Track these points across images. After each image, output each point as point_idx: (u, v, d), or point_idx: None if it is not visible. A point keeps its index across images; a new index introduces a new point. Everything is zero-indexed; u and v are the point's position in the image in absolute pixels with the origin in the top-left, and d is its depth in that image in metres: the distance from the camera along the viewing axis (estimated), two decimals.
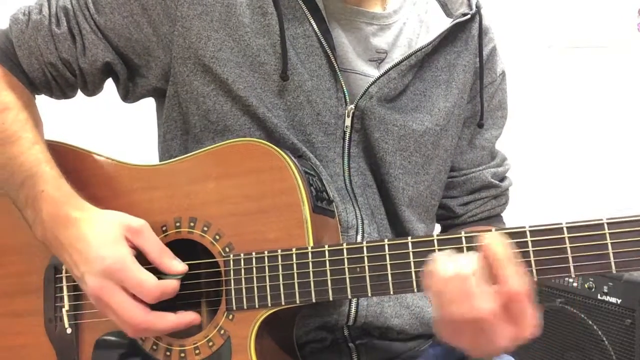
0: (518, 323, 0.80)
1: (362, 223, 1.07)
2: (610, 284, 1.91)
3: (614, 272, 0.79)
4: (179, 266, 0.95)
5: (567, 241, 0.81)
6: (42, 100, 1.13)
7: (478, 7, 1.16)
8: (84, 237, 0.93)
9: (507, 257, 0.80)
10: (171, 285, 0.93)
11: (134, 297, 0.92)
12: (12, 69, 1.08)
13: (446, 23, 1.13)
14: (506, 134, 1.27)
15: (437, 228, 1.25)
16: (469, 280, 0.79)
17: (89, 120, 2.00)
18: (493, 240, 0.81)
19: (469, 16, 1.13)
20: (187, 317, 0.95)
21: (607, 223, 0.79)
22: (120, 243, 0.93)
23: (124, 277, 0.91)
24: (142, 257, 0.94)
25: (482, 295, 0.79)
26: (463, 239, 0.85)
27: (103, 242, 0.92)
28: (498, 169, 1.24)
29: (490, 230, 0.84)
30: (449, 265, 0.81)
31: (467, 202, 1.22)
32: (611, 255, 0.79)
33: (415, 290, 0.87)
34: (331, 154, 1.07)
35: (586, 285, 1.97)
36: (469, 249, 0.84)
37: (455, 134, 1.17)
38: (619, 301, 1.89)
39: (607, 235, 0.79)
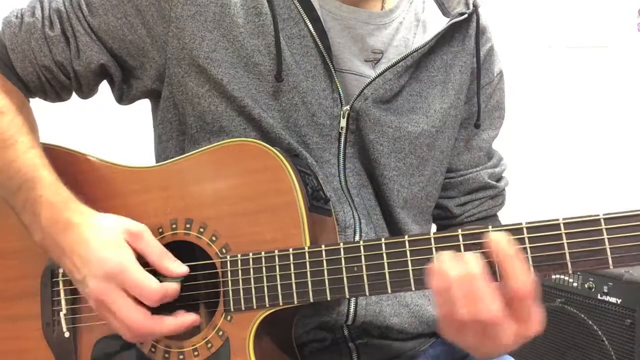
0: (524, 321, 0.80)
1: (360, 223, 1.06)
2: (611, 283, 1.91)
3: (612, 267, 0.79)
4: (180, 268, 0.95)
5: (564, 237, 0.80)
6: (37, 102, 1.13)
7: (475, 6, 1.14)
8: (85, 240, 0.93)
9: (514, 254, 0.80)
10: (172, 287, 0.93)
11: (135, 300, 0.92)
12: (6, 73, 1.07)
13: (443, 23, 1.11)
14: (506, 133, 1.27)
15: (433, 229, 1.24)
16: (476, 281, 0.79)
17: (85, 122, 1.99)
18: (499, 237, 0.81)
19: (465, 16, 1.12)
20: (186, 320, 0.94)
21: (604, 218, 0.79)
22: (122, 246, 0.93)
23: (125, 280, 0.91)
24: (141, 262, 0.94)
25: (490, 297, 0.79)
26: (460, 237, 0.84)
27: (104, 245, 0.92)
28: (495, 169, 1.23)
29: (487, 228, 0.83)
30: (455, 265, 0.80)
31: (464, 202, 1.21)
32: (608, 250, 0.79)
33: (413, 288, 0.87)
34: (326, 155, 1.07)
35: (586, 285, 1.97)
36: (466, 247, 0.84)
37: (452, 135, 1.17)
38: (619, 301, 1.89)
39: (604, 230, 0.79)
